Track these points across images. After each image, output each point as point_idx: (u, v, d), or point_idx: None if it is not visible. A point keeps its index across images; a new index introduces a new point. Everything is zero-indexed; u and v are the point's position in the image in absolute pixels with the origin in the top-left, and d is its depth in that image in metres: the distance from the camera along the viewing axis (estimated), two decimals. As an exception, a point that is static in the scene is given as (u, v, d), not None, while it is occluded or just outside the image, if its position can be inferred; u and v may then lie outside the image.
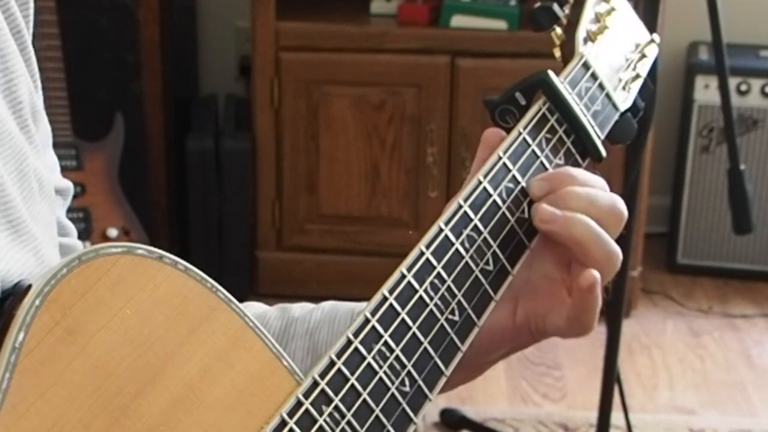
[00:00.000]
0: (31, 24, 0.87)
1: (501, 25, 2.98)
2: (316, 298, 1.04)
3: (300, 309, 0.98)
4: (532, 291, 0.90)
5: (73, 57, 2.88)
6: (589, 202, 0.89)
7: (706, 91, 3.19)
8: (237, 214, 3.11)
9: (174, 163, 3.15)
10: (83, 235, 2.84)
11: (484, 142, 0.93)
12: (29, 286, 0.70)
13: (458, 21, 3.00)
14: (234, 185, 3.08)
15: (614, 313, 2.23)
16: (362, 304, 0.96)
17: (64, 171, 0.91)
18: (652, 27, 1.08)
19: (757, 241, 3.27)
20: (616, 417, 2.33)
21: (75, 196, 0.96)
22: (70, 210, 0.95)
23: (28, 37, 0.86)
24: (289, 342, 0.95)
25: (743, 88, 3.17)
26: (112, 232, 2.88)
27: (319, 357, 0.93)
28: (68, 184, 0.94)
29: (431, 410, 2.67)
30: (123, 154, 2.96)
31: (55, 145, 0.92)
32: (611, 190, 0.92)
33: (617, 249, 0.89)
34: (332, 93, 3.03)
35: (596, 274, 0.87)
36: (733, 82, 3.05)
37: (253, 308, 0.98)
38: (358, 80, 3.02)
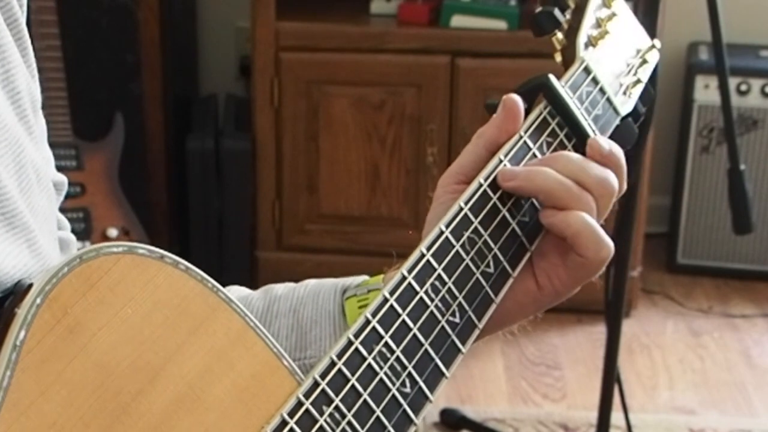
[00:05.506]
0: (26, 9, 0.87)
1: (501, 25, 2.98)
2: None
3: (283, 288, 0.98)
4: (544, 255, 0.91)
5: (73, 57, 2.88)
6: (579, 170, 0.90)
7: (706, 91, 3.19)
8: (237, 214, 3.11)
9: (174, 163, 3.15)
10: (83, 235, 2.83)
11: (509, 110, 0.92)
12: (30, 285, 0.70)
13: (458, 21, 3.00)
14: (234, 185, 3.08)
15: (614, 313, 2.23)
16: (348, 279, 0.96)
17: (64, 171, 0.91)
18: (652, 27, 1.09)
19: (757, 241, 3.27)
20: (616, 417, 2.33)
21: (75, 196, 0.96)
22: (70, 210, 0.95)
23: (24, 25, 0.86)
24: (273, 321, 0.95)
25: (743, 88, 3.17)
26: (112, 232, 2.88)
27: (303, 333, 0.93)
28: (62, 178, 0.94)
29: (431, 410, 2.67)
30: (123, 154, 2.96)
31: (55, 145, 0.91)
32: None
33: (586, 195, 0.89)
34: (332, 93, 3.03)
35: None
36: (733, 82, 3.05)
37: (236, 291, 0.98)
38: (358, 80, 3.02)
